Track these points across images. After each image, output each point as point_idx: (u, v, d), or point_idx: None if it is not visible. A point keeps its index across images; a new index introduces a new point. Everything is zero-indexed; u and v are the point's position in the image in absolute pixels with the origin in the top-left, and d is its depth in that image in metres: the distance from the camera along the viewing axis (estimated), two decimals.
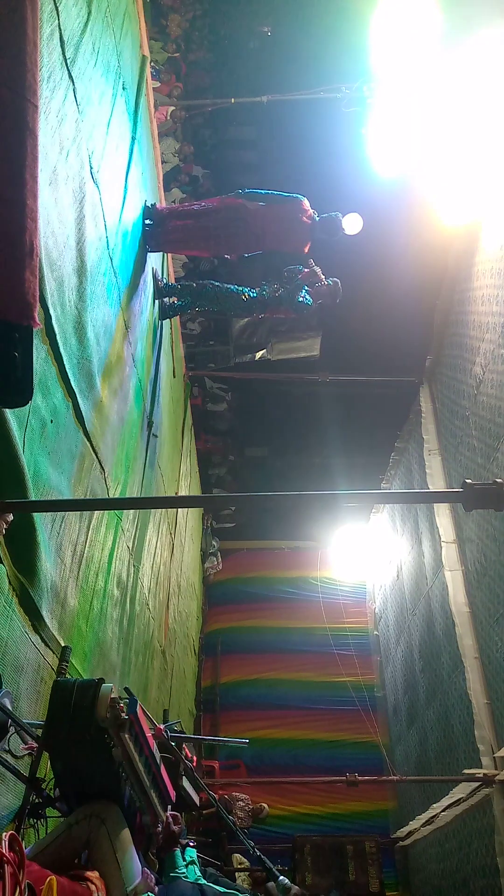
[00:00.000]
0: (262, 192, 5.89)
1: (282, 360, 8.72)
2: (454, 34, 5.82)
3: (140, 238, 5.52)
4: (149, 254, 5.81)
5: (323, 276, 6.24)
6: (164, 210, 5.80)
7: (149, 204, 5.76)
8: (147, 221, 5.65)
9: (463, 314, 7.17)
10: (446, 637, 7.59)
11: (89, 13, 3.63)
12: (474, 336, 6.75)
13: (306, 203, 5.89)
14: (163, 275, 6.53)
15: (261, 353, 8.84)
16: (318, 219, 5.88)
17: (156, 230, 5.70)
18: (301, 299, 6.20)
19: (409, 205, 7.40)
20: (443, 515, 7.78)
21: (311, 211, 5.89)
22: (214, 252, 6.51)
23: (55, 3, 3.08)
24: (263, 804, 9.31)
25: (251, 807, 9.07)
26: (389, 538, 10.92)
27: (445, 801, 6.92)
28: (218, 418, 12.34)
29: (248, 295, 6.31)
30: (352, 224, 6.12)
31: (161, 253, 6.39)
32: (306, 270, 6.22)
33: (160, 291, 6.29)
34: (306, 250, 6.07)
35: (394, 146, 6.89)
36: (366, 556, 11.87)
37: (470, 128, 5.69)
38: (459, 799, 6.64)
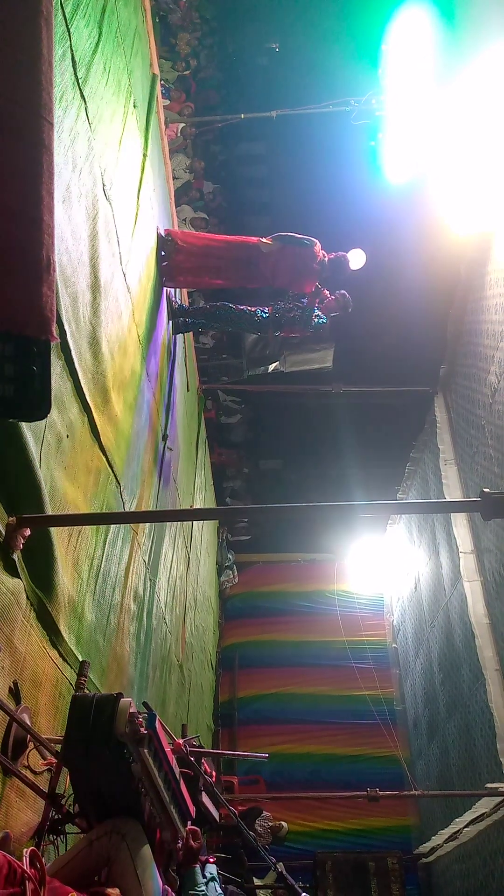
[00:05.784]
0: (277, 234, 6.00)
1: (295, 372, 8.72)
2: (464, 46, 5.84)
3: (154, 254, 5.56)
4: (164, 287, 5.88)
5: (328, 292, 6.30)
6: (176, 240, 5.83)
7: (162, 232, 5.79)
8: (162, 253, 5.71)
9: (476, 323, 7.14)
10: (466, 649, 7.50)
11: (100, 33, 3.68)
12: (488, 345, 6.72)
13: (318, 247, 5.97)
14: (176, 294, 6.58)
15: (273, 365, 8.83)
16: (326, 262, 5.97)
17: (169, 267, 5.77)
18: (316, 320, 6.27)
19: (420, 215, 7.41)
20: (460, 525, 7.72)
21: (322, 254, 5.97)
22: (226, 286, 6.69)
23: (67, 25, 3.13)
24: (282, 822, 9.19)
25: (271, 824, 8.96)
26: (406, 550, 10.84)
27: (468, 816, 6.81)
28: (232, 431, 12.37)
29: (261, 316, 6.37)
30: (356, 260, 6.24)
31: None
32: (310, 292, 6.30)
33: (174, 313, 6.33)
34: (313, 289, 6.20)
35: (404, 156, 6.94)
36: (383, 567, 11.79)
37: (481, 137, 5.69)
38: (483, 814, 6.53)
